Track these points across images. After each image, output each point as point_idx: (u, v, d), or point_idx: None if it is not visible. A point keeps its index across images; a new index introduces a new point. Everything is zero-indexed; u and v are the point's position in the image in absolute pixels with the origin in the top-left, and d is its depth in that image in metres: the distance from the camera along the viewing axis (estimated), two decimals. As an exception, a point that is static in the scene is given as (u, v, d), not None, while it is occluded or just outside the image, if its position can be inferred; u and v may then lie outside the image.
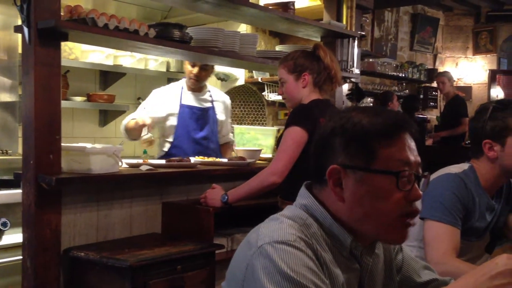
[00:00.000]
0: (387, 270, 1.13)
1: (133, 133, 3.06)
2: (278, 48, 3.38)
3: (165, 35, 2.39)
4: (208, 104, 3.24)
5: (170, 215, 2.46)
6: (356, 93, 4.44)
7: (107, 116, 4.10)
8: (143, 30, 2.27)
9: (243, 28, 4.11)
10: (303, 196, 1.05)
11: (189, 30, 2.62)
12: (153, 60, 4.18)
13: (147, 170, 2.31)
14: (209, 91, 3.27)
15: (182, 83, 3.24)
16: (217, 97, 3.31)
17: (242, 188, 2.30)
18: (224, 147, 3.41)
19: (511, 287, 0.78)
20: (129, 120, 3.12)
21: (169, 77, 4.53)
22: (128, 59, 4.01)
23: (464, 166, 1.76)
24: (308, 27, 3.26)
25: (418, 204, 1.02)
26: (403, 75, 7.03)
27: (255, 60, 2.89)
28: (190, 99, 3.18)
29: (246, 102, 4.43)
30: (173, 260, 2.03)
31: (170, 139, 3.15)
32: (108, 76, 4.08)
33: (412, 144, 1.00)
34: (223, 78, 4.20)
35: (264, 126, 4.55)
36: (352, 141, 0.99)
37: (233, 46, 2.78)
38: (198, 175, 2.59)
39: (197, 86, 3.19)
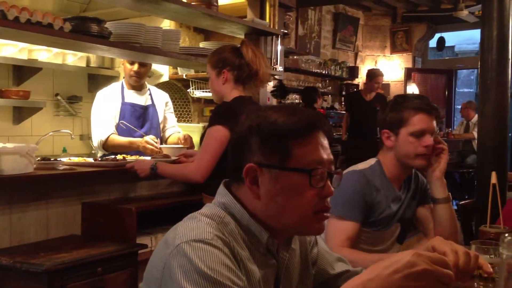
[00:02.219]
0: (303, 264, 1.16)
1: (120, 149, 2.96)
2: (202, 44, 3.37)
3: (82, 29, 2.31)
4: (149, 102, 3.20)
5: (90, 216, 2.38)
6: (280, 90, 4.54)
7: (21, 113, 3.89)
8: (58, 24, 2.18)
9: (167, 24, 4.05)
10: (222, 194, 1.06)
11: (109, 24, 2.55)
12: (72, 55, 4.01)
13: (64, 170, 2.22)
14: (149, 90, 3.25)
15: (123, 82, 3.19)
16: (156, 94, 3.28)
17: (170, 169, 2.40)
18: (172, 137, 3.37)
19: None
20: (109, 135, 2.98)
21: (89, 73, 4.38)
22: (44, 53, 3.82)
23: (372, 161, 1.86)
24: (231, 24, 3.28)
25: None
26: (326, 72, 7.25)
27: (177, 56, 2.87)
28: (132, 97, 3.15)
29: (171, 98, 4.35)
30: (93, 262, 1.98)
31: None
32: (23, 71, 3.87)
33: (325, 142, 1.03)
34: (146, 74, 4.11)
35: (190, 123, 4.52)
36: (268, 140, 1.00)
37: (155, 42, 2.74)
38: (120, 174, 2.53)
39: (138, 84, 3.15)
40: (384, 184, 1.80)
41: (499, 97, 3.40)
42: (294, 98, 6.41)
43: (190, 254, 0.90)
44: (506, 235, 0.57)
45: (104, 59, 4.34)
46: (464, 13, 6.50)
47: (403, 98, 1.82)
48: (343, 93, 7.84)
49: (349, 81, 7.88)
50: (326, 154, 1.02)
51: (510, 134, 3.65)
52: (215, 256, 0.91)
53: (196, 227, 0.96)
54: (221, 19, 3.12)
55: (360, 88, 7.82)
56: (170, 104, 3.41)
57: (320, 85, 7.25)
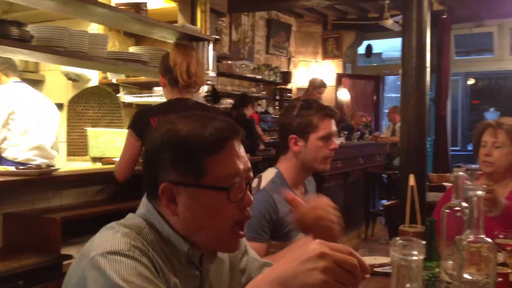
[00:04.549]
0: (232, 274, 1.16)
1: None
2: (131, 49, 3.32)
3: (0, 33, 2.21)
4: None
5: (12, 227, 2.29)
6: (213, 95, 4.55)
7: None
8: (-26, 27, 2.07)
9: (95, 27, 3.95)
10: (143, 204, 1.04)
11: (30, 27, 2.46)
12: (-7, 58, 3.81)
13: (-18, 179, 2.12)
14: None
15: None
16: None
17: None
18: None
19: (318, 271, 0.75)
20: None
21: (12, 77, 4.17)
22: (-39, 56, 3.60)
23: (271, 173, 1.85)
24: (162, 29, 3.25)
25: None
26: (260, 77, 7.34)
27: (105, 61, 2.81)
28: None
29: (101, 103, 4.25)
30: (13, 276, 1.91)
31: None
32: None
33: (240, 150, 1.01)
34: (74, 79, 3.99)
35: (121, 128, 4.42)
36: (180, 158, 0.97)
37: (81, 46, 2.67)
38: (44, 182, 2.44)
39: None
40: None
41: (418, 104, 3.61)
42: (228, 103, 6.44)
43: (104, 267, 0.88)
44: (397, 238, 0.62)
45: (28, 63, 4.16)
46: (389, 22, 6.81)
47: (308, 103, 1.83)
48: (277, 97, 7.96)
49: (283, 86, 8.02)
50: (242, 163, 1.00)
51: (430, 138, 3.88)
52: (131, 268, 0.89)
53: (112, 238, 0.94)
54: (151, 24, 3.08)
55: (294, 94, 7.98)
56: None
57: (254, 89, 7.32)
